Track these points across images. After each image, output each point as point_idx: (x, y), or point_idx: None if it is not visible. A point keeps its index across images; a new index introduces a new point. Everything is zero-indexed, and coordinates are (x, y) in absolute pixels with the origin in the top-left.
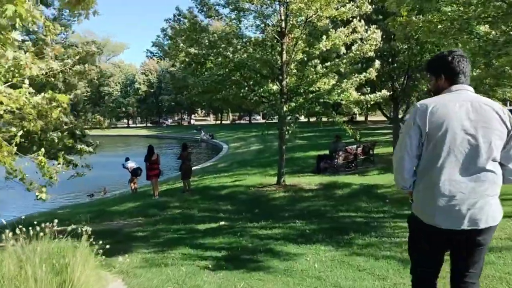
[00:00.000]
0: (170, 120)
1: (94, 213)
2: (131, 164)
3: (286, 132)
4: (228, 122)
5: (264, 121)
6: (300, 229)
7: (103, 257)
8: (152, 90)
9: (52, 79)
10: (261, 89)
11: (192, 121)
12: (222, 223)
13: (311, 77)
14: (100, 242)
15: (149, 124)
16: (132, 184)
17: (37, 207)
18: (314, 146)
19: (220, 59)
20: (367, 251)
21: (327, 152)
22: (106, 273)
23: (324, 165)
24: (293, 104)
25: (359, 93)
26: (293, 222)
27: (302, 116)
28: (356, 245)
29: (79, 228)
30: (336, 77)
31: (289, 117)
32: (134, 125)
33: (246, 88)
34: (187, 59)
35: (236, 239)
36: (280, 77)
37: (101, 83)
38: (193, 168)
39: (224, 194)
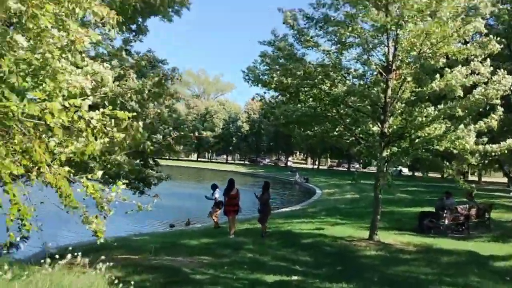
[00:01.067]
0: (267, 160)
1: (164, 244)
2: (218, 195)
3: (383, 182)
4: (326, 167)
5: (361, 169)
6: None
7: None
8: (253, 130)
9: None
10: (359, 129)
11: (289, 163)
12: (295, 278)
13: (420, 119)
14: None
15: (246, 162)
16: (214, 217)
17: (115, 231)
18: (418, 202)
19: (314, 91)
20: None
21: (432, 209)
22: None
23: (428, 224)
24: (395, 149)
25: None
26: None
27: (406, 169)
28: None
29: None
30: (449, 123)
31: (386, 164)
32: (233, 161)
33: (342, 127)
34: (279, 88)
35: None
36: (382, 117)
37: (206, 119)
38: (282, 210)
39: (306, 243)
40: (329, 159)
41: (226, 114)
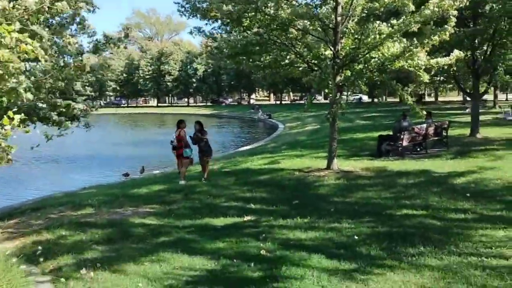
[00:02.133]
0: (230, 100)
1: (111, 195)
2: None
3: (337, 109)
4: (288, 102)
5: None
6: (346, 234)
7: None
8: (210, 70)
9: None
10: (311, 54)
11: (252, 101)
12: (248, 218)
13: (373, 37)
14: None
15: (209, 104)
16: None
17: (67, 186)
18: (377, 127)
19: (259, 16)
20: (444, 280)
21: (390, 132)
22: None
23: (386, 148)
24: (349, 72)
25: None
26: (339, 221)
27: (366, 97)
28: (428, 269)
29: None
30: (404, 40)
31: (339, 91)
32: (195, 104)
33: (293, 54)
34: (220, 17)
35: (253, 246)
36: (334, 38)
37: (162, 62)
38: (242, 149)
39: (264, 179)
40: (291, 94)
41: (182, 55)
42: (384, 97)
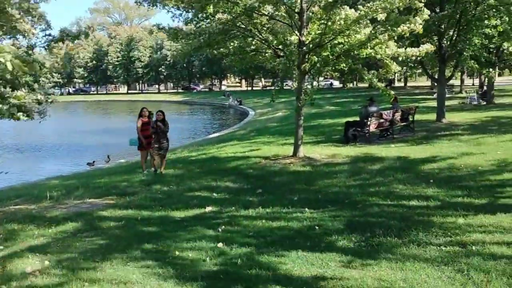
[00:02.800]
0: (201, 86)
1: (71, 186)
2: None
3: (303, 97)
4: (260, 88)
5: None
6: (308, 224)
7: None
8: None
9: None
10: (276, 40)
11: (224, 87)
12: (209, 208)
13: (338, 23)
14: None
15: (180, 90)
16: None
17: (30, 177)
18: (346, 113)
19: (222, 2)
20: (402, 272)
21: (357, 118)
22: None
23: (353, 134)
24: (315, 59)
25: (398, 46)
26: (302, 210)
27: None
28: (385, 258)
29: None
30: (371, 26)
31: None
32: (165, 90)
33: (259, 40)
34: (182, 4)
35: (211, 238)
36: (300, 24)
37: (131, 48)
38: (211, 136)
39: (229, 168)
40: (263, 80)
41: (152, 41)
42: (354, 82)
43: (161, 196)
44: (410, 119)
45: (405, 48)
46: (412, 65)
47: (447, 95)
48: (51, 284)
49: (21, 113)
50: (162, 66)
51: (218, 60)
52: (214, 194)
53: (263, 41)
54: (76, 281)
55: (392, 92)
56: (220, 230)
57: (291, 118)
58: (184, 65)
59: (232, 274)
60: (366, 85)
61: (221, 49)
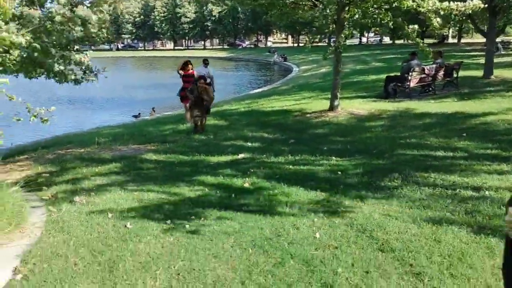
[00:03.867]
0: (247, 42)
1: (117, 134)
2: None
3: (336, 45)
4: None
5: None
6: (331, 169)
7: None
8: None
9: None
10: None
11: (269, 43)
12: (242, 155)
13: None
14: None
15: (225, 46)
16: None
17: (81, 127)
18: (392, 69)
19: None
20: (410, 209)
21: (399, 73)
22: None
23: (393, 88)
24: (354, 10)
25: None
26: (329, 158)
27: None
28: (397, 199)
29: None
30: None
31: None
32: (211, 47)
33: None
34: None
35: (240, 179)
36: None
37: (177, 4)
38: (253, 91)
39: (266, 120)
40: (309, 36)
41: None
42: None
43: (199, 144)
44: (454, 75)
45: (449, 2)
46: (460, 18)
47: (502, 52)
48: (96, 210)
49: (80, 76)
50: (208, 22)
51: (264, 16)
52: (249, 144)
53: None
54: (117, 210)
55: (429, 49)
56: (248, 172)
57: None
58: (230, 20)
59: (233, 205)
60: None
61: (261, 1)
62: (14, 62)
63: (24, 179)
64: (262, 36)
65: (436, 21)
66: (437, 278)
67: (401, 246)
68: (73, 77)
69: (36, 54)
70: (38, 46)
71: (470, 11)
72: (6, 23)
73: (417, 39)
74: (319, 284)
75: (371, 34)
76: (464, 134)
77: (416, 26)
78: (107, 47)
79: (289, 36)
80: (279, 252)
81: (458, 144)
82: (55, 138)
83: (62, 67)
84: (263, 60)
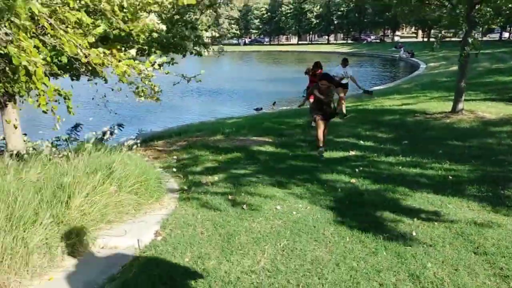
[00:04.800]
0: (372, 37)
1: (240, 126)
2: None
3: (470, 49)
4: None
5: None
6: (443, 174)
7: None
8: (352, 5)
9: None
10: None
11: (396, 38)
12: (353, 153)
13: None
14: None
15: (349, 41)
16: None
17: (207, 117)
18: None
19: None
20: None
21: None
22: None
23: None
24: (486, 8)
25: None
26: (442, 162)
27: None
28: (504, 205)
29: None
30: None
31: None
32: (335, 41)
33: None
34: None
35: (347, 175)
36: None
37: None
38: (374, 88)
39: (382, 120)
40: (442, 30)
41: None
42: None
43: (312, 139)
44: None
45: None
46: None
47: None
48: (219, 191)
49: (203, 49)
50: (334, 16)
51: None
52: (361, 142)
53: None
54: (236, 193)
55: None
56: (357, 170)
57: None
58: (356, 14)
59: (355, 202)
60: None
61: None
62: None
63: (161, 161)
64: (389, 31)
65: None
66: None
67: (496, 250)
68: (206, 54)
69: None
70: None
71: None
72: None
73: None
74: (406, 274)
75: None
76: None
77: None
78: (235, 41)
79: (419, 31)
80: (374, 244)
81: None
82: (185, 126)
83: (197, 48)
84: (388, 56)
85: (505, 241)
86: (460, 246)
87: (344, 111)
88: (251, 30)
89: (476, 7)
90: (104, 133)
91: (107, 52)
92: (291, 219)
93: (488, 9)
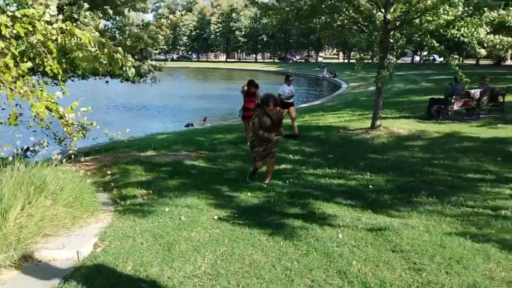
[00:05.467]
0: (298, 57)
1: (170, 141)
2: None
3: (385, 72)
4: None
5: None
6: (364, 183)
7: None
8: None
9: None
10: (363, 16)
11: (320, 59)
12: (283, 166)
13: (425, 2)
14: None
15: (276, 60)
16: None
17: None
18: (440, 90)
19: None
20: (428, 221)
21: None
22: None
23: (436, 110)
24: (399, 36)
25: (489, 33)
26: (363, 173)
27: (442, 58)
28: (417, 213)
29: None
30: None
31: (387, 53)
32: (262, 60)
33: (345, 16)
34: None
35: (279, 186)
36: (385, 2)
37: (232, 18)
38: (300, 106)
39: (309, 135)
40: (359, 53)
41: (253, 11)
42: (460, 59)
43: (244, 154)
44: (500, 100)
45: (499, 36)
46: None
47: None
48: (155, 204)
49: (138, 77)
50: (262, 35)
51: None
52: (291, 156)
53: (349, 18)
54: (172, 205)
55: (467, 79)
56: (287, 182)
57: (384, 92)
58: (282, 35)
59: (287, 211)
60: (473, 62)
61: (310, 24)
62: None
63: (92, 176)
64: (313, 51)
65: (481, 50)
66: (434, 274)
67: (410, 248)
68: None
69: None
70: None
71: None
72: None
73: (456, 67)
74: (334, 271)
75: (425, 53)
76: (499, 159)
77: (454, 56)
78: (163, 57)
79: (341, 53)
80: (305, 246)
81: (490, 168)
82: (112, 142)
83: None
84: (312, 75)
85: (417, 240)
86: (380, 245)
87: (296, 130)
88: (179, 46)
89: (391, 34)
90: (26, 149)
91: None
92: (228, 227)
93: (400, 35)
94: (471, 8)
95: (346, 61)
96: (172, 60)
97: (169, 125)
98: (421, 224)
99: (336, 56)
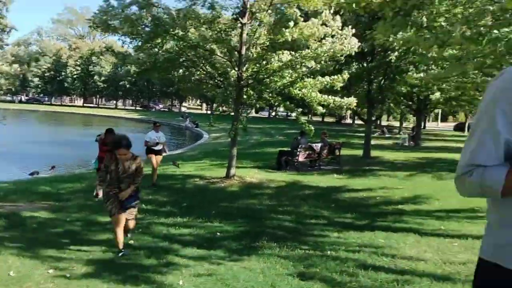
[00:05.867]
0: (161, 105)
1: (9, 191)
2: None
3: (238, 125)
4: (219, 113)
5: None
6: (211, 231)
7: None
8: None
9: None
10: (218, 72)
11: (184, 109)
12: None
13: (273, 64)
14: None
15: (138, 108)
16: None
17: None
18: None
19: (168, 37)
20: (264, 264)
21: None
22: None
23: (285, 161)
24: (251, 92)
25: (326, 95)
26: (213, 221)
27: (294, 113)
28: (256, 255)
29: None
30: (300, 72)
31: (240, 108)
32: (123, 107)
33: (202, 71)
34: (132, 34)
35: (128, 238)
36: (239, 61)
37: (91, 62)
38: (164, 155)
39: (165, 185)
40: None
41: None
42: (309, 116)
43: (92, 203)
44: (337, 153)
45: (332, 97)
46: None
47: (387, 135)
48: None
49: None
50: (124, 81)
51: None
52: (143, 205)
53: (206, 73)
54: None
55: (312, 130)
56: (135, 232)
57: (240, 143)
58: (145, 83)
59: (131, 262)
60: (320, 119)
61: (168, 75)
62: None
63: None
64: (176, 101)
65: (319, 107)
66: None
67: (241, 286)
68: None
69: None
70: None
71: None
72: None
73: (303, 120)
74: None
75: (281, 109)
76: (333, 205)
77: (299, 110)
78: (9, 98)
79: (203, 104)
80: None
81: (324, 213)
82: None
83: None
84: (175, 125)
85: (252, 282)
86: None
87: (154, 179)
88: (29, 87)
89: (244, 90)
90: None
91: None
92: (63, 282)
93: (252, 92)
94: (308, 72)
95: (209, 112)
96: (20, 101)
97: (8, 174)
98: (258, 267)
99: (199, 107)
